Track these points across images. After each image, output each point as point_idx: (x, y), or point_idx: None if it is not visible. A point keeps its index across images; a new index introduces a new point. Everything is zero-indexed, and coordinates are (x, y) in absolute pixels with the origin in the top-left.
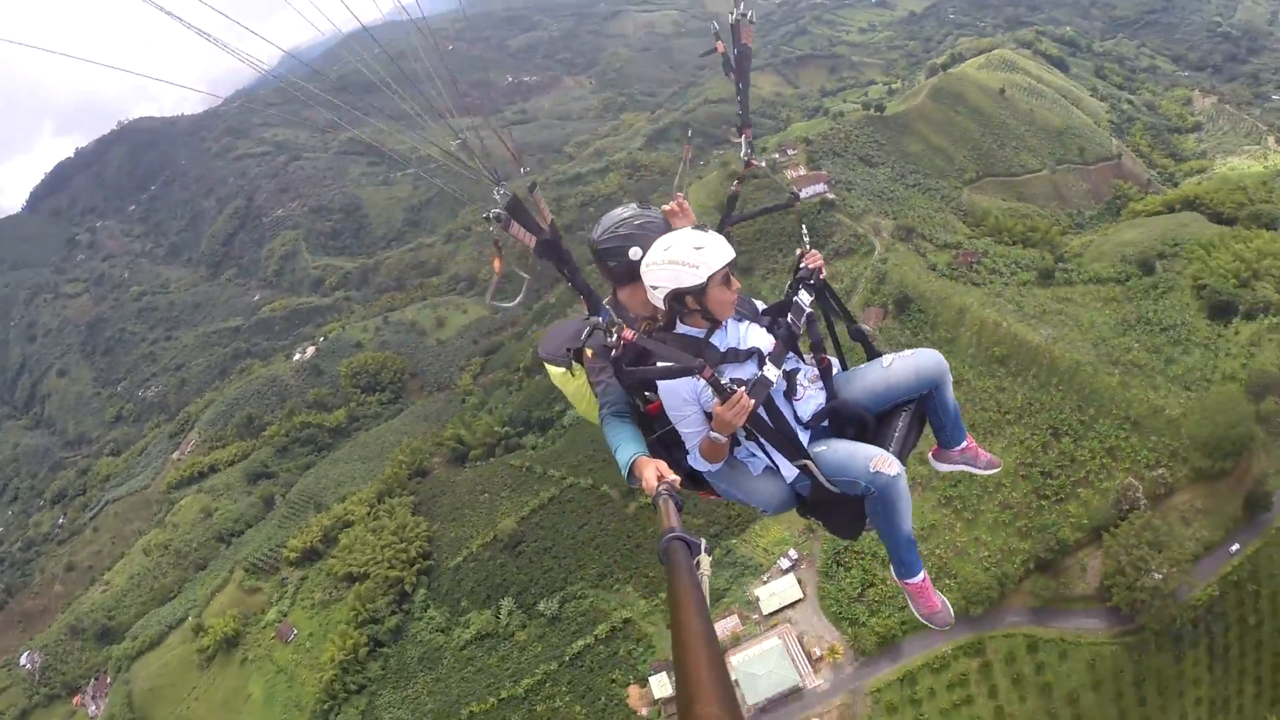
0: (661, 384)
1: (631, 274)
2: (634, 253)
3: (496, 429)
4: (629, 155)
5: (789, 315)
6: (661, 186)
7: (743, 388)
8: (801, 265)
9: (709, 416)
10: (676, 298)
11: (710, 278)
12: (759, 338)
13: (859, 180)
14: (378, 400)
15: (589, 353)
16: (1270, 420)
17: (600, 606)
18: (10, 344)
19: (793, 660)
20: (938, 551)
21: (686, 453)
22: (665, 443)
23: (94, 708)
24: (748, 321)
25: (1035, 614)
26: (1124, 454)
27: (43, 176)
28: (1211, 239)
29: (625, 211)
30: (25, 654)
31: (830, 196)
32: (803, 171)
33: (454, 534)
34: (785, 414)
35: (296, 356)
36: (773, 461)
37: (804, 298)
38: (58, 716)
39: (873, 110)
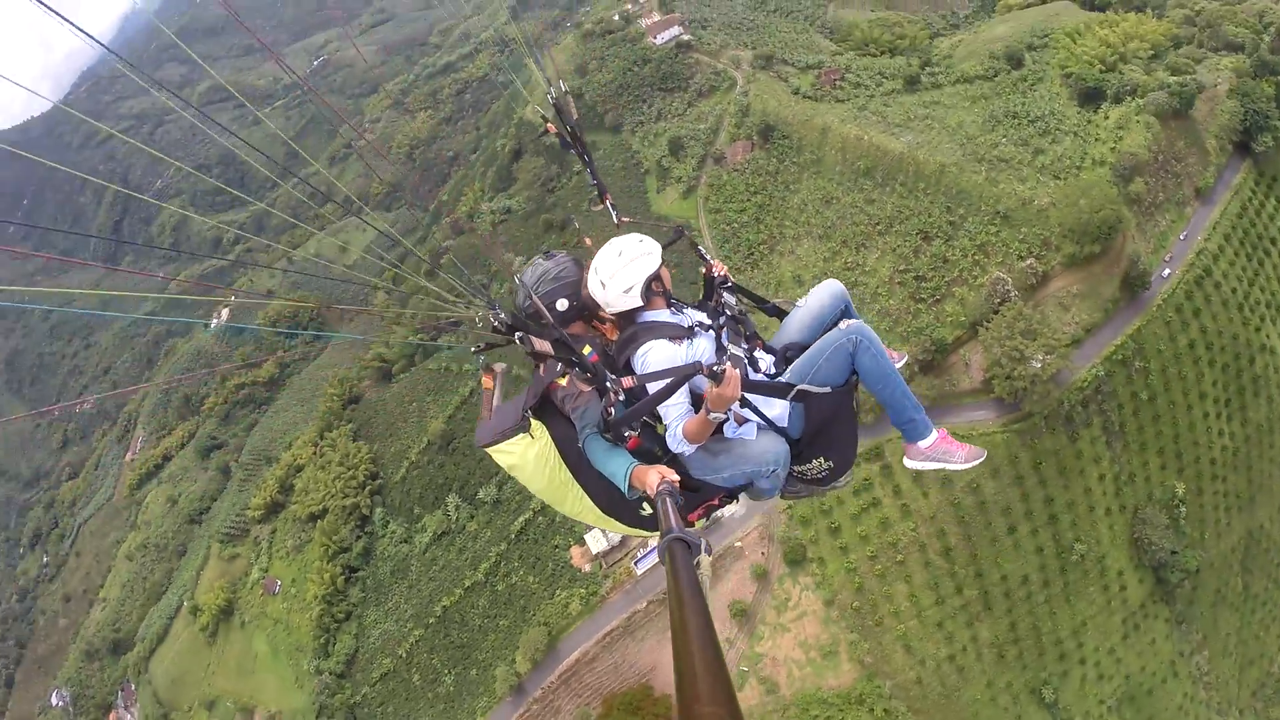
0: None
1: (568, 318)
2: (561, 304)
3: (411, 339)
4: (496, 32)
5: (725, 316)
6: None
7: (728, 363)
8: (714, 275)
9: (694, 402)
10: (647, 285)
11: (661, 259)
12: (703, 316)
13: (715, 15)
14: (302, 341)
15: (561, 381)
16: (1141, 201)
17: None
18: None
19: None
20: None
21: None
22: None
23: (129, 717)
24: (687, 309)
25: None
26: (995, 249)
27: None
28: (1077, 26)
29: (539, 269)
30: (54, 693)
31: (686, 38)
32: (656, 18)
33: (394, 449)
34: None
35: (214, 323)
36: (764, 417)
37: (730, 300)
38: None
39: None
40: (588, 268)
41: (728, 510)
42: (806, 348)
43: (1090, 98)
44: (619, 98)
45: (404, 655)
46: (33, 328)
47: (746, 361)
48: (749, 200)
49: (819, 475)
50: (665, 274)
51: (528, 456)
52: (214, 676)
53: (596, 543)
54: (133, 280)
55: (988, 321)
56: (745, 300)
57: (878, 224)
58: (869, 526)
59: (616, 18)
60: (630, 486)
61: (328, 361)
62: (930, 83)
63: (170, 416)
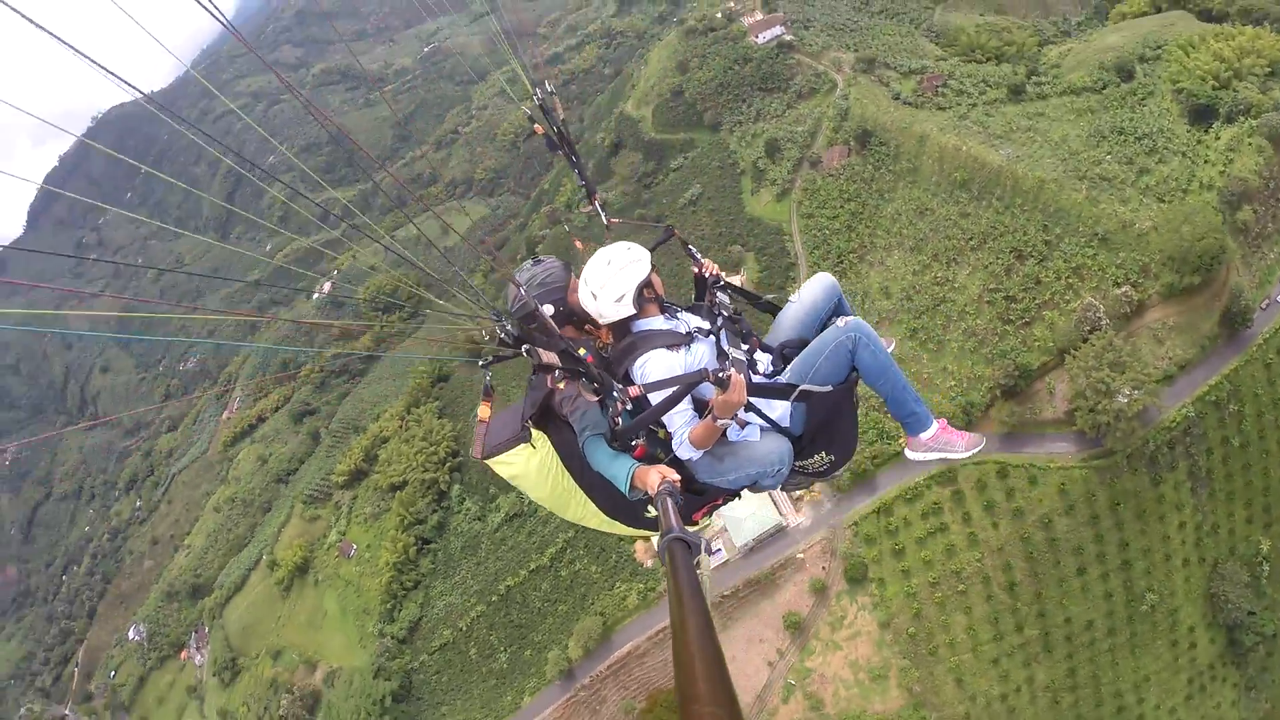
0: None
1: (557, 323)
2: (546, 309)
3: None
4: (603, 25)
5: (720, 316)
6: (638, 52)
7: (732, 369)
8: (706, 275)
9: (697, 408)
10: (639, 293)
11: (651, 265)
12: (699, 320)
13: (818, 15)
14: (398, 318)
15: (560, 385)
16: (1248, 231)
17: None
18: (50, 358)
19: (774, 501)
20: None
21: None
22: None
23: (199, 657)
24: (682, 313)
25: (1004, 440)
26: (1091, 273)
27: (35, 192)
28: (1191, 39)
29: (525, 274)
30: (132, 628)
31: (788, 38)
32: (759, 16)
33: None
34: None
35: (316, 295)
36: (766, 418)
37: (724, 300)
38: (170, 673)
39: None
40: (577, 273)
41: (792, 521)
42: (803, 344)
43: (1201, 116)
44: (719, 96)
45: (464, 628)
46: (143, 289)
47: (746, 363)
48: (842, 207)
49: (821, 468)
50: (656, 279)
51: (529, 467)
52: (283, 628)
53: None
54: (240, 249)
55: (1076, 349)
56: (738, 298)
57: (970, 239)
58: (933, 552)
59: (719, 15)
60: (632, 487)
61: (422, 339)
62: (1035, 93)
63: (269, 380)
